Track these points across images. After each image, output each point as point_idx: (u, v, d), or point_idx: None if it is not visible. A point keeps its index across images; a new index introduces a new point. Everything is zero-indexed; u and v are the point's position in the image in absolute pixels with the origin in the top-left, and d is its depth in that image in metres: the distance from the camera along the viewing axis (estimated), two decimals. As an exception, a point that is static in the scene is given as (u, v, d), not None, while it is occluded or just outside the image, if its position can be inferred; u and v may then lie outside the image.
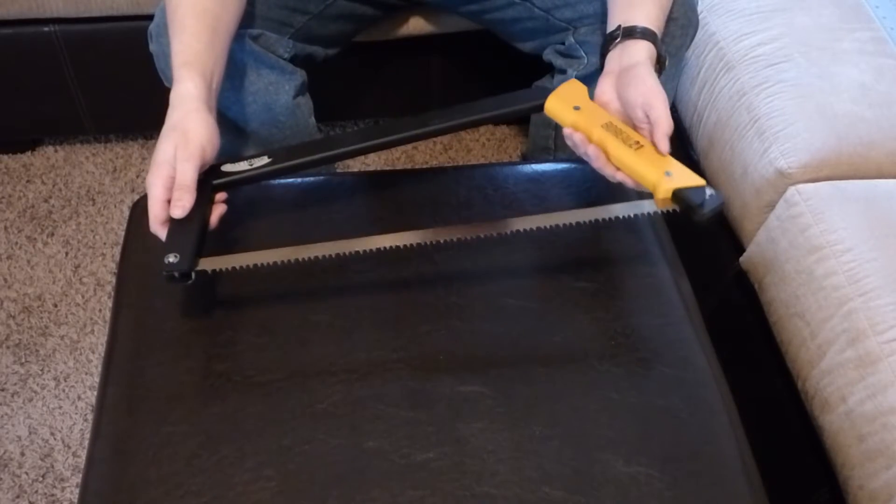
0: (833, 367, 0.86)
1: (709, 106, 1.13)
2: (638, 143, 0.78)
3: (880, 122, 1.01)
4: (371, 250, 0.79)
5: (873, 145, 0.99)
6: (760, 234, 1.02)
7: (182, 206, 0.76)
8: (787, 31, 1.11)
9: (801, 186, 0.97)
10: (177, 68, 0.81)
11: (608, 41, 0.87)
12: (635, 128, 0.80)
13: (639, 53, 0.84)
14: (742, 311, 1.07)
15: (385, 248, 0.79)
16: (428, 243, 0.81)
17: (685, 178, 0.76)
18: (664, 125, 0.79)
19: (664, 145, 0.79)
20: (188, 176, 0.76)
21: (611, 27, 0.87)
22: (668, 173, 0.76)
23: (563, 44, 1.08)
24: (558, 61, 1.09)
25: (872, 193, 0.96)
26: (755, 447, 0.75)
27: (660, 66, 0.86)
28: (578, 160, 1.02)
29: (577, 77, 1.06)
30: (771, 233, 1.00)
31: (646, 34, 0.84)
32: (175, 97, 0.80)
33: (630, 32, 0.85)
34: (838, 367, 0.86)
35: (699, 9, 1.20)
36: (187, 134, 0.77)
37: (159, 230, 0.77)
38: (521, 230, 0.82)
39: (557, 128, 1.15)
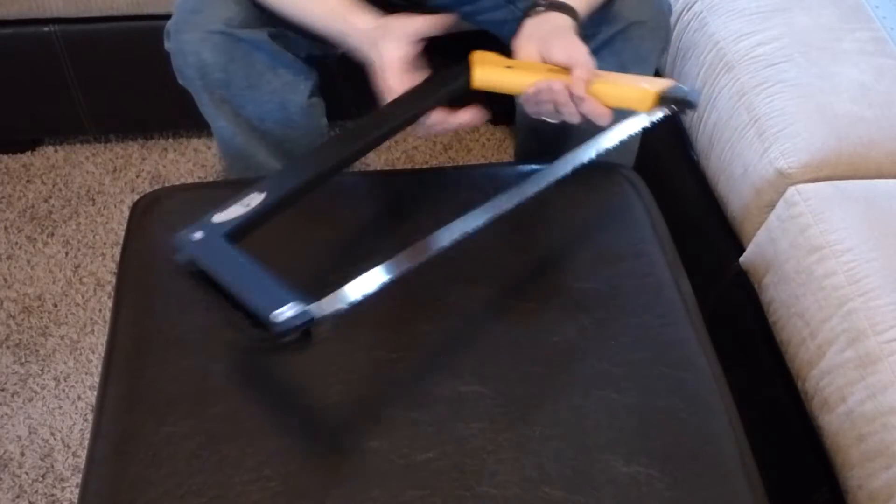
0: (833, 367, 0.86)
1: (709, 106, 1.13)
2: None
3: (880, 122, 1.01)
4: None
5: (873, 145, 0.99)
6: (760, 234, 1.02)
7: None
8: (787, 31, 1.11)
9: (801, 186, 0.97)
10: (342, 20, 0.86)
11: (529, 9, 0.87)
12: None
13: (565, 22, 0.85)
14: (742, 311, 1.07)
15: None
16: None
17: (659, 82, 0.77)
18: (581, 66, 0.78)
19: (578, 86, 0.78)
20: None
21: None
22: (642, 84, 0.77)
23: None
24: None
25: (872, 193, 0.96)
26: (755, 447, 0.75)
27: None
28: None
29: None
30: (771, 233, 1.00)
31: (570, 11, 0.86)
32: (358, 34, 0.85)
33: (557, 6, 0.86)
34: (838, 367, 0.86)
35: (699, 9, 1.20)
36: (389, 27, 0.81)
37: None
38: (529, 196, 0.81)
39: (541, 131, 1.15)
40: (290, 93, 1.04)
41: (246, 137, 1.08)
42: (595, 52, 1.04)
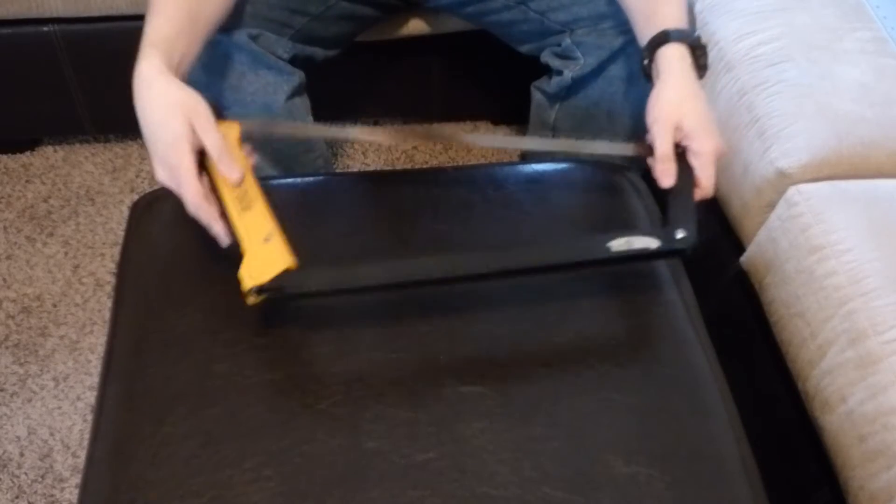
0: (833, 368, 0.86)
1: (709, 106, 1.13)
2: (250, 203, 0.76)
3: (881, 121, 1.01)
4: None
5: (874, 145, 0.99)
6: (761, 233, 1.02)
7: (239, 167, 0.75)
8: (787, 30, 1.11)
9: (801, 186, 0.97)
10: (143, 47, 0.78)
11: (643, 60, 0.86)
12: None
13: (662, 62, 0.82)
14: (742, 311, 1.07)
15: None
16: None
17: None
18: (658, 154, 0.79)
19: (663, 179, 0.79)
20: (221, 141, 0.75)
21: (641, 42, 0.87)
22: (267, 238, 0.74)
23: (560, 45, 1.08)
24: (555, 63, 1.09)
25: (873, 193, 0.96)
26: (755, 447, 0.75)
27: (697, 63, 0.84)
28: (578, 160, 1.03)
29: (573, 78, 1.06)
30: (771, 233, 1.00)
31: (668, 35, 0.83)
32: (142, 75, 0.76)
33: (654, 43, 0.83)
34: (839, 368, 0.85)
35: (698, 9, 1.20)
36: (192, 106, 0.75)
37: (204, 207, 0.74)
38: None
39: (556, 128, 1.15)
40: (273, 94, 1.04)
41: None
42: (611, 58, 1.04)
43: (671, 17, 0.84)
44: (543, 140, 0.81)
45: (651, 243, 0.74)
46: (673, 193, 0.79)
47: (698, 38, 0.84)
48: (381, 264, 0.73)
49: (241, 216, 0.74)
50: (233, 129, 0.79)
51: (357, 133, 0.82)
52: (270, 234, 0.73)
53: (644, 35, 0.86)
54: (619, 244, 0.74)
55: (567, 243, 0.75)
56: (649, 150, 0.82)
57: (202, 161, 0.77)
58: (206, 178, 0.77)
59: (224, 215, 0.75)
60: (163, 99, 0.75)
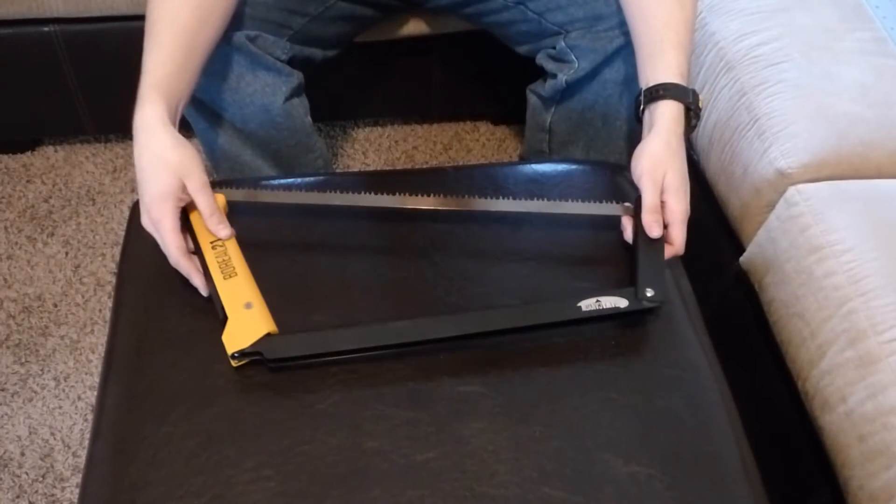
0: (833, 367, 0.86)
1: (709, 106, 1.13)
2: (234, 270, 0.79)
3: (880, 121, 1.01)
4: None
5: (873, 145, 0.99)
6: (760, 234, 1.02)
7: (227, 226, 0.79)
8: (787, 31, 1.11)
9: (801, 186, 0.97)
10: (146, 88, 0.79)
11: (636, 107, 0.88)
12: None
13: (658, 117, 0.84)
14: (742, 311, 1.07)
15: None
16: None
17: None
18: (647, 205, 0.81)
19: (652, 230, 0.81)
20: (212, 202, 0.79)
21: (640, 78, 0.88)
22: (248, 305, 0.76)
23: (555, 48, 1.08)
24: (549, 65, 1.09)
25: (872, 193, 0.96)
26: (755, 447, 0.75)
27: (688, 121, 0.86)
28: (577, 160, 1.03)
29: (567, 81, 1.06)
30: (771, 233, 1.00)
31: (668, 91, 0.84)
32: (145, 121, 0.78)
33: (653, 94, 0.85)
34: (838, 367, 0.85)
35: (699, 9, 1.20)
36: (186, 165, 0.77)
37: (184, 261, 0.77)
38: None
39: (552, 131, 1.15)
40: (272, 95, 1.04)
41: (230, 139, 1.08)
42: (605, 62, 1.04)
43: (674, 66, 0.85)
44: (528, 203, 0.87)
45: (620, 303, 0.78)
46: (643, 251, 0.82)
47: (695, 98, 0.85)
48: (357, 329, 0.77)
49: (223, 283, 0.78)
50: (218, 200, 0.83)
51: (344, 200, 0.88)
52: (252, 300, 0.77)
53: (644, 75, 0.87)
54: (589, 304, 0.78)
55: (540, 305, 0.80)
56: (628, 210, 0.86)
57: (186, 220, 0.80)
58: (188, 237, 0.80)
59: (207, 273, 0.79)
60: (160, 153, 0.77)
